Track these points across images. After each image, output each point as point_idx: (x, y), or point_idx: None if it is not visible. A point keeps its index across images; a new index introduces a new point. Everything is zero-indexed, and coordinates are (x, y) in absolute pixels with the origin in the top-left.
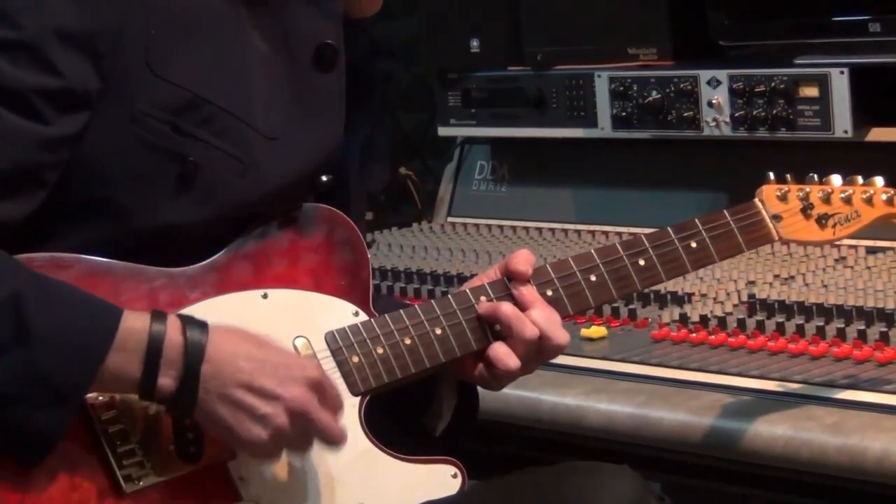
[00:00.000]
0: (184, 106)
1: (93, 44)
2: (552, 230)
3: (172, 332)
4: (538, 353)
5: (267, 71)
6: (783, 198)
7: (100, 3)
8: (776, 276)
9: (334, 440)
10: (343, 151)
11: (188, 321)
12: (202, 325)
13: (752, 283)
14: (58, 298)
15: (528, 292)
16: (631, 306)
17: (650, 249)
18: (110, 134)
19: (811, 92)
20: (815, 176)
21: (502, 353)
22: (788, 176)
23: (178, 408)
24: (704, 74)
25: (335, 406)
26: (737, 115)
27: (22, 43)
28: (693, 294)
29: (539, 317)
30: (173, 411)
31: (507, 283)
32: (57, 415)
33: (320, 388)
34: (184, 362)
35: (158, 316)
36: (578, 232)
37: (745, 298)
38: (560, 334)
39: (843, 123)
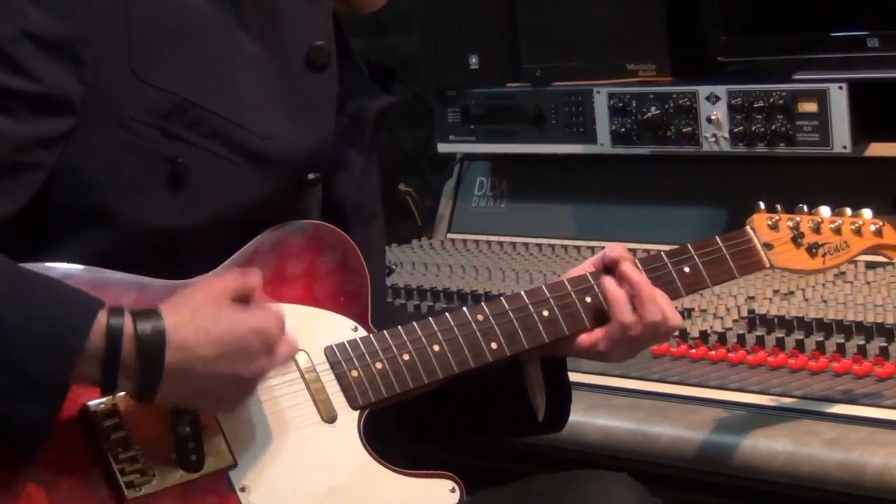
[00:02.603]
0: (171, 109)
1: (72, 50)
2: (552, 246)
3: (127, 334)
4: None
5: (258, 72)
6: (774, 226)
7: (78, 10)
8: (776, 292)
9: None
10: (339, 189)
11: (139, 318)
12: (155, 319)
13: (752, 298)
14: (32, 288)
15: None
16: None
17: (644, 273)
18: (99, 140)
19: (810, 107)
20: (805, 206)
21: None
22: (779, 206)
23: (140, 400)
24: (703, 90)
25: (281, 329)
26: (736, 130)
27: None
28: (693, 309)
29: (662, 300)
30: (136, 400)
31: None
32: (38, 406)
33: (272, 344)
34: (142, 368)
35: (115, 313)
36: (578, 248)
37: (744, 314)
38: (676, 317)
39: (841, 139)
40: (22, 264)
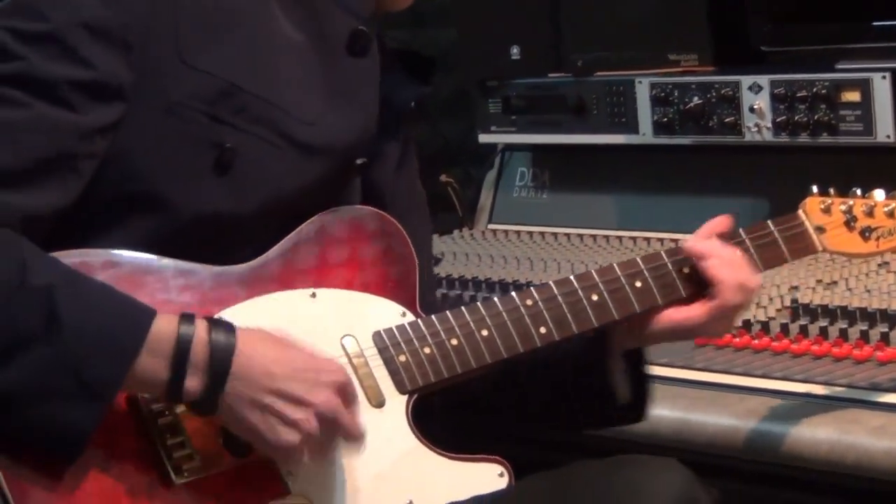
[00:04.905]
0: (218, 95)
1: (122, 36)
2: (593, 237)
3: (200, 335)
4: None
5: (300, 59)
6: (827, 210)
7: None
8: (819, 281)
9: (356, 439)
10: (377, 179)
11: (215, 324)
12: (229, 328)
13: (795, 288)
14: (90, 295)
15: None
16: None
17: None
18: (147, 126)
19: (853, 97)
20: (858, 190)
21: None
22: (832, 189)
23: (202, 411)
24: (746, 80)
25: (354, 405)
26: (778, 120)
27: (50, 35)
28: None
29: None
30: (196, 413)
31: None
32: (88, 409)
33: (345, 391)
34: (210, 366)
35: (187, 319)
36: (620, 238)
37: (788, 303)
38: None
39: (885, 128)
40: (81, 250)
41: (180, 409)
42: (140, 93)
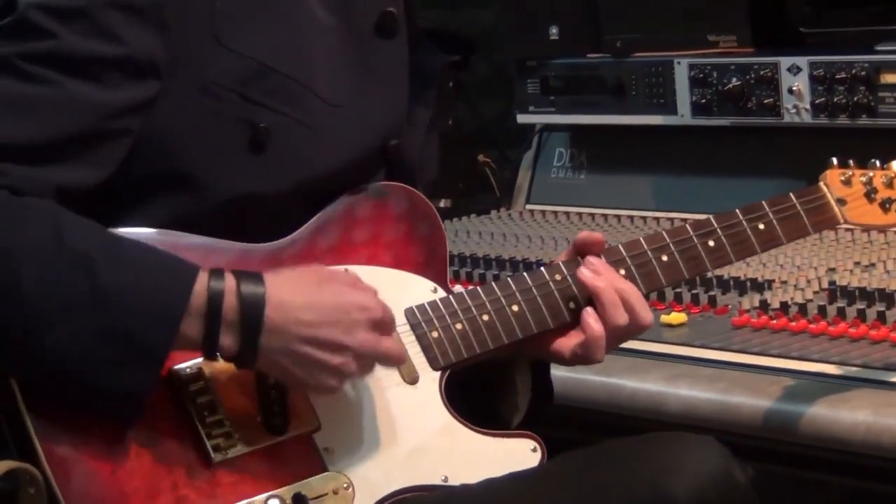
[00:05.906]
0: (251, 75)
1: (157, 14)
2: (630, 217)
3: (230, 289)
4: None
5: (329, 40)
6: (847, 182)
7: None
8: (856, 264)
9: (396, 363)
10: (405, 143)
11: (243, 277)
12: (257, 279)
13: (833, 269)
14: (132, 256)
15: (599, 264)
16: (711, 293)
17: (719, 230)
18: (180, 106)
19: (892, 78)
20: (878, 162)
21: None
22: (851, 161)
23: (242, 364)
24: (785, 61)
25: (391, 327)
26: (817, 101)
27: (81, 11)
28: (773, 281)
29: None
30: (238, 365)
31: (581, 261)
32: (141, 373)
33: (380, 325)
34: (242, 322)
35: (216, 274)
36: (657, 219)
37: (825, 285)
38: (646, 315)
39: None
40: (112, 230)
41: (218, 387)
42: (175, 72)
